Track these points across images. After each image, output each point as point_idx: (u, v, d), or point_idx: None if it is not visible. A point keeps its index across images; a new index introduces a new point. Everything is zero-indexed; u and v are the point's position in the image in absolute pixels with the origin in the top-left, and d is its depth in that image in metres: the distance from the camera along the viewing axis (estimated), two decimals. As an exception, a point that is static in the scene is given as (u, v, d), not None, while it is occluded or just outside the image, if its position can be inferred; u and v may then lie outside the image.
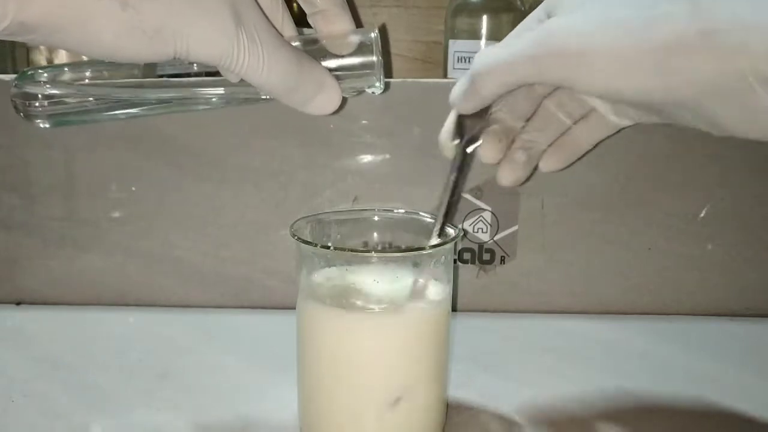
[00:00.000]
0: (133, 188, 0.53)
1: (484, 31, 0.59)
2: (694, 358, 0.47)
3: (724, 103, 0.27)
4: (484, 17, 0.59)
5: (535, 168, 0.39)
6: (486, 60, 0.32)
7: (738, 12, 0.26)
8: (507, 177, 0.38)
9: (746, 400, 0.41)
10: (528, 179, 0.39)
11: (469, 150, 0.36)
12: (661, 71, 0.27)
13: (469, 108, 0.35)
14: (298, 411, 0.37)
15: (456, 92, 0.35)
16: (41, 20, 0.25)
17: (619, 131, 0.37)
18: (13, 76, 0.50)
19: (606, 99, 0.34)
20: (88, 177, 0.53)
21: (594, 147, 0.38)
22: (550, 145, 0.38)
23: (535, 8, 0.34)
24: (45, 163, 0.52)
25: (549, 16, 0.32)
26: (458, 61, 0.60)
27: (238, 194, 0.53)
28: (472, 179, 0.52)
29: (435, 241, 0.35)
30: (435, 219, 0.35)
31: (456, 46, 0.60)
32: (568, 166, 0.38)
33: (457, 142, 0.36)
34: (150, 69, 0.34)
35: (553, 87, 0.35)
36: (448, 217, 0.35)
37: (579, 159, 0.38)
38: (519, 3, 0.60)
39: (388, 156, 0.52)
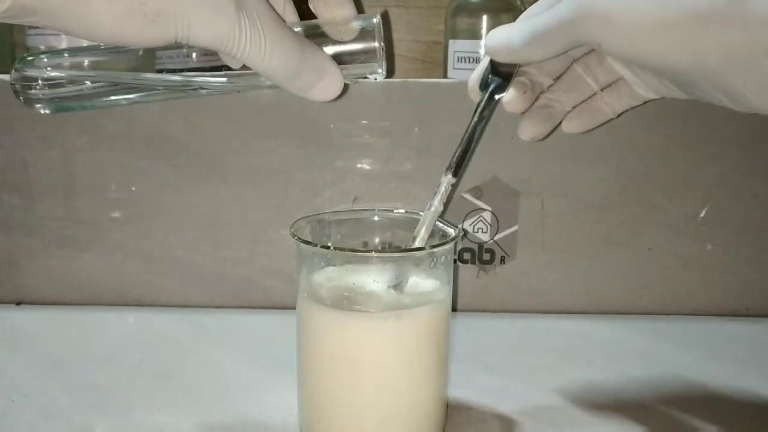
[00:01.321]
0: (133, 188, 0.53)
1: (484, 31, 0.59)
2: (694, 358, 0.47)
3: (747, 74, 0.28)
4: (484, 17, 0.59)
5: (557, 127, 0.40)
6: (532, 25, 0.33)
7: None
8: (527, 131, 0.39)
9: (746, 400, 0.41)
10: (548, 136, 0.40)
11: (495, 97, 0.37)
12: (689, 39, 0.28)
13: (506, 60, 0.35)
14: (298, 411, 0.37)
15: (496, 42, 0.35)
16: (42, 2, 0.25)
17: (644, 103, 0.38)
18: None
19: (635, 64, 0.35)
20: (88, 177, 0.53)
21: (618, 116, 0.39)
22: (574, 108, 0.39)
23: (535, 8, 0.34)
24: (45, 163, 0.52)
25: None
26: (458, 61, 0.60)
27: (238, 194, 0.53)
28: (472, 179, 0.52)
29: (447, 180, 0.36)
30: (451, 157, 0.36)
31: (456, 46, 0.60)
32: (590, 131, 0.39)
33: (484, 90, 0.37)
34: (148, 64, 0.34)
35: (587, 49, 0.36)
36: (463, 162, 0.36)
37: (601, 125, 0.39)
38: (519, 3, 0.60)
39: (387, 156, 0.52)
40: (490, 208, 0.53)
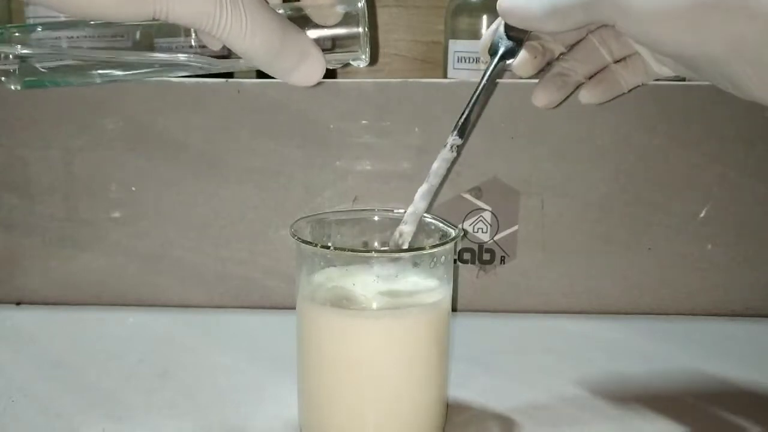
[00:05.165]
0: (133, 188, 0.53)
1: (484, 31, 0.59)
2: (694, 358, 0.47)
3: (750, 65, 0.28)
4: (484, 17, 0.59)
5: (569, 96, 0.41)
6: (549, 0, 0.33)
7: None
8: (541, 98, 0.40)
9: (746, 400, 0.41)
10: (561, 104, 0.41)
11: (506, 61, 0.38)
12: (696, 27, 0.29)
13: (520, 26, 0.36)
14: (298, 411, 0.37)
15: (513, 6, 0.35)
16: None
17: (657, 80, 0.39)
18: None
19: (645, 46, 0.36)
20: (88, 177, 0.53)
21: (630, 90, 0.40)
22: (590, 79, 0.40)
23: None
24: (45, 163, 0.52)
25: None
26: (458, 61, 0.60)
27: (238, 194, 0.53)
28: (472, 179, 0.52)
29: (452, 140, 0.36)
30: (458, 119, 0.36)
31: (456, 46, 0.60)
32: (607, 102, 0.41)
33: (494, 53, 0.38)
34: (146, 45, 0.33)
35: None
36: (468, 122, 0.36)
37: (616, 98, 0.40)
38: (519, 3, 0.60)
39: (387, 156, 0.52)
40: (490, 208, 0.53)
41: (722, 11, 0.28)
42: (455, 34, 0.61)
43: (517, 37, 0.38)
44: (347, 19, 0.33)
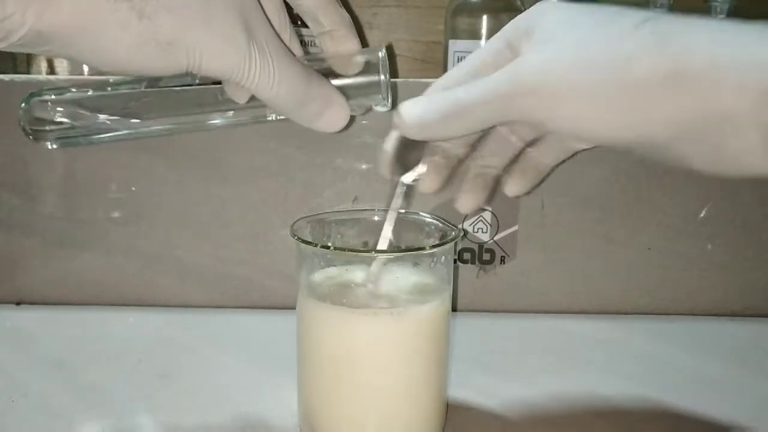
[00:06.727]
0: (133, 188, 0.53)
1: (484, 31, 0.59)
2: (694, 358, 0.47)
3: (694, 144, 0.26)
4: (484, 17, 0.59)
5: (496, 191, 0.37)
6: (452, 99, 0.30)
7: (707, 51, 0.25)
8: (468, 205, 0.36)
9: (746, 400, 0.41)
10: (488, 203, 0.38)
11: (410, 181, 0.35)
12: (633, 114, 0.26)
13: (419, 138, 0.33)
14: (298, 411, 0.37)
15: (407, 119, 0.32)
16: (57, 30, 0.25)
17: (574, 155, 0.35)
18: (12, 76, 0.50)
19: (580, 140, 0.33)
20: (88, 177, 0.53)
21: (552, 170, 0.36)
22: (513, 170, 0.36)
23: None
24: (45, 163, 0.52)
25: (512, 48, 0.30)
26: (458, 61, 0.60)
27: (238, 194, 0.53)
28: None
29: (376, 268, 0.34)
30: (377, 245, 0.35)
31: (456, 46, 0.60)
32: (534, 188, 0.37)
33: (398, 177, 0.35)
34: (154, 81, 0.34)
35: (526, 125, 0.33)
36: (388, 242, 0.35)
37: (541, 181, 0.37)
38: (519, 3, 0.60)
39: (388, 156, 0.52)
40: (490, 208, 0.53)
41: (657, 96, 0.26)
42: (455, 34, 0.61)
43: (415, 154, 0.35)
44: (369, 68, 0.33)
